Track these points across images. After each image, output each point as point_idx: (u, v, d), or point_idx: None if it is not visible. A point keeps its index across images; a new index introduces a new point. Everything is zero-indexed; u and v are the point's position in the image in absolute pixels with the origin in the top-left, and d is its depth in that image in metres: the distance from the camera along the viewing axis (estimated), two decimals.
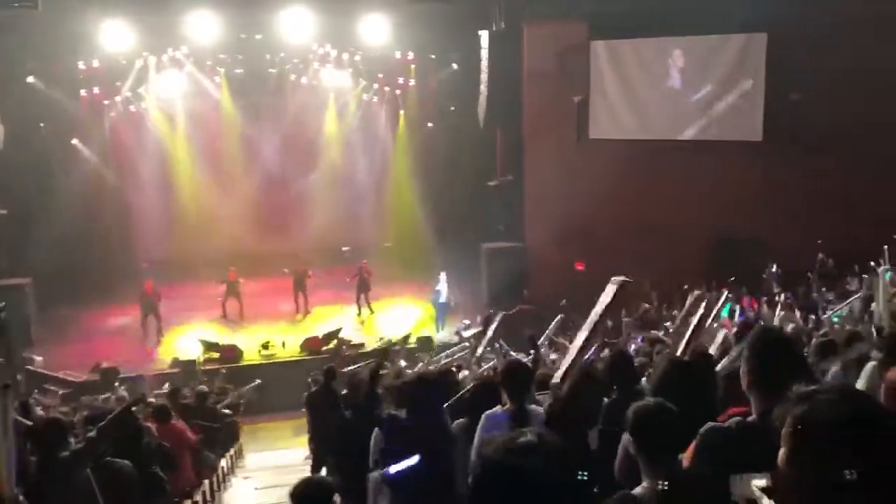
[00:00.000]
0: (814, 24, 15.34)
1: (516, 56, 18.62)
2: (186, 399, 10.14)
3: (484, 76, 19.15)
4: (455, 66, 20.79)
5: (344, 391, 8.00)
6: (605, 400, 4.61)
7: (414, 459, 3.82)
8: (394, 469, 3.86)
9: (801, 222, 16.27)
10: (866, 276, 9.16)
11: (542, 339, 8.87)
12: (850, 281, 12.58)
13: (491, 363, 9.10)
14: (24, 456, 4.34)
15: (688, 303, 6.97)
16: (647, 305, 15.88)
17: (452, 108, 21.69)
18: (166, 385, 12.83)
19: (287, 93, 21.86)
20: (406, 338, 16.54)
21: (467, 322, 17.34)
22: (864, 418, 1.57)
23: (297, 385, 13.20)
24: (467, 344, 13.07)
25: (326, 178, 22.55)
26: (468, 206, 20.78)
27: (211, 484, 8.57)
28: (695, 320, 5.43)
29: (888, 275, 7.37)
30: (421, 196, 21.92)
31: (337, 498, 3.11)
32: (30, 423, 4.87)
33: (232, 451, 11.37)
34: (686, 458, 2.75)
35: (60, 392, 14.41)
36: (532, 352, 6.62)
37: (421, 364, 13.04)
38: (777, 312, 10.39)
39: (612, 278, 4.57)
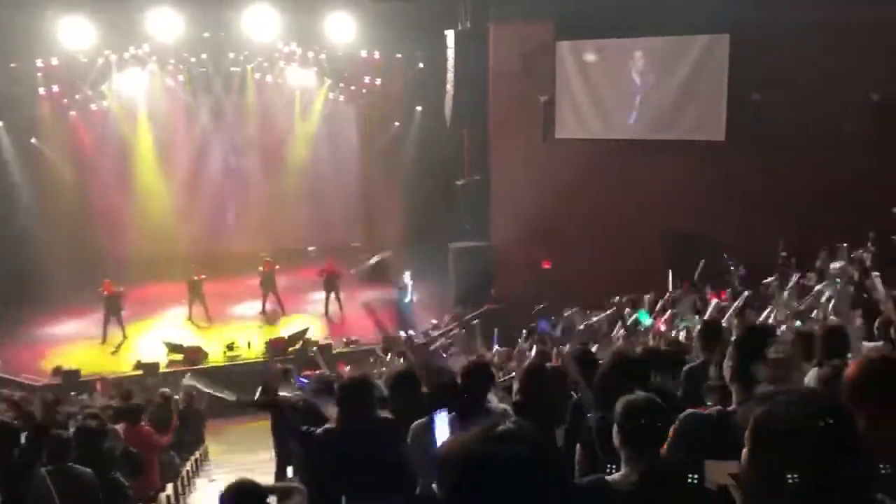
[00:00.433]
0: (775, 26, 15.60)
1: (482, 56, 18.65)
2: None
3: (450, 76, 19.15)
4: (421, 65, 20.76)
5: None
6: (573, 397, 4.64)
7: None
8: None
9: (764, 220, 16.51)
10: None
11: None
12: (809, 277, 12.78)
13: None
14: None
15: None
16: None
17: (419, 108, 21.67)
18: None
19: (252, 92, 21.67)
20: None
21: (434, 321, 17.33)
22: (820, 419, 1.60)
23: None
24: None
25: (292, 178, 22.40)
26: (435, 206, 20.76)
27: (175, 487, 8.44)
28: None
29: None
30: (388, 195, 21.87)
31: (272, 500, 3.04)
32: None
33: (197, 454, 11.23)
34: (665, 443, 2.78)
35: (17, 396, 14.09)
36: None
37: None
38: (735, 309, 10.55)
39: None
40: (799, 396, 1.68)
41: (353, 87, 22.26)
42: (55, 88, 19.60)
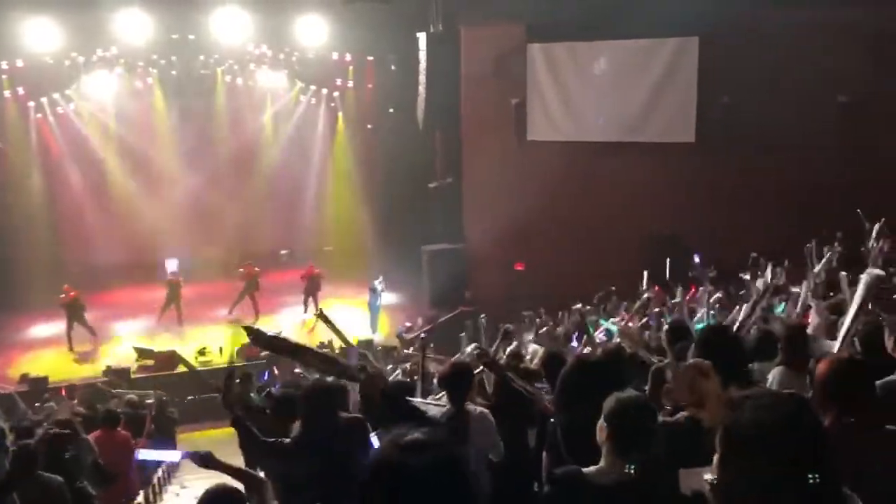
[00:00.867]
0: (744, 30, 15.84)
1: (454, 58, 18.66)
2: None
3: (422, 78, 19.14)
4: (393, 67, 20.72)
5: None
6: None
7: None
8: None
9: (734, 221, 16.74)
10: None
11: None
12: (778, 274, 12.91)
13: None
14: None
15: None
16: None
17: (391, 110, 21.63)
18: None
19: (222, 94, 21.49)
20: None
21: (408, 324, 17.29)
22: (790, 423, 1.62)
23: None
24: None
25: (264, 181, 22.25)
26: (408, 208, 20.72)
27: (147, 495, 8.34)
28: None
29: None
30: (360, 198, 21.80)
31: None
32: None
33: None
34: None
35: None
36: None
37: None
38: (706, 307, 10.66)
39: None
40: (769, 400, 1.70)
41: (324, 90, 22.17)
42: (20, 91, 19.31)
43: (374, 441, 3.64)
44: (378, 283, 18.21)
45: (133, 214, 21.04)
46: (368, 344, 15.73)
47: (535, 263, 17.91)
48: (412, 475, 1.46)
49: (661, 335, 5.95)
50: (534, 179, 17.50)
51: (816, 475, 1.59)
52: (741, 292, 10.75)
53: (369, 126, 22.36)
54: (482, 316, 12.83)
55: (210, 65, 20.59)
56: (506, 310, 14.90)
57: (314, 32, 18.75)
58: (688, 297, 10.36)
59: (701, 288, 11.36)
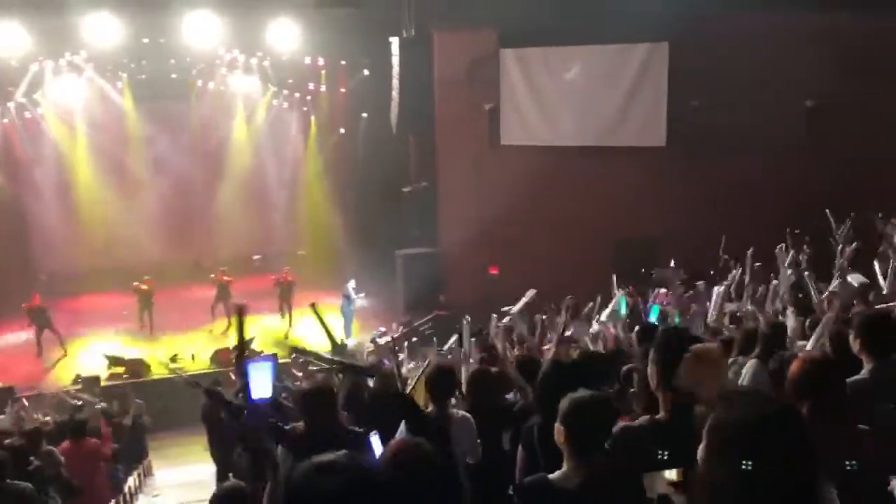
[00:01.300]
0: (713, 35, 16.05)
1: (427, 63, 18.68)
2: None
3: (395, 82, 19.15)
4: (366, 72, 20.67)
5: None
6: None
7: None
8: None
9: (703, 224, 16.88)
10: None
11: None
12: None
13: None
14: None
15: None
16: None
17: (364, 115, 21.59)
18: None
19: (193, 98, 21.31)
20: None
21: (383, 329, 17.24)
22: (773, 421, 1.65)
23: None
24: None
25: (236, 186, 22.11)
26: (382, 213, 20.68)
27: (118, 503, 8.24)
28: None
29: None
30: (334, 203, 21.72)
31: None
32: None
33: (140, 469, 10.97)
34: None
35: None
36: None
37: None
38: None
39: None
40: (758, 400, 1.73)
41: (297, 94, 22.09)
42: None
43: (375, 441, 3.58)
44: (351, 288, 18.11)
45: (103, 220, 20.78)
46: (342, 349, 15.62)
47: (510, 267, 17.94)
48: (324, 497, 1.52)
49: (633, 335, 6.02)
50: (508, 183, 17.54)
51: (797, 474, 1.62)
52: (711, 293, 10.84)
53: (342, 130, 22.30)
54: (466, 317, 12.79)
55: (182, 69, 20.39)
56: (480, 314, 14.89)
57: (287, 36, 18.62)
58: (657, 299, 10.46)
59: (668, 290, 11.47)
